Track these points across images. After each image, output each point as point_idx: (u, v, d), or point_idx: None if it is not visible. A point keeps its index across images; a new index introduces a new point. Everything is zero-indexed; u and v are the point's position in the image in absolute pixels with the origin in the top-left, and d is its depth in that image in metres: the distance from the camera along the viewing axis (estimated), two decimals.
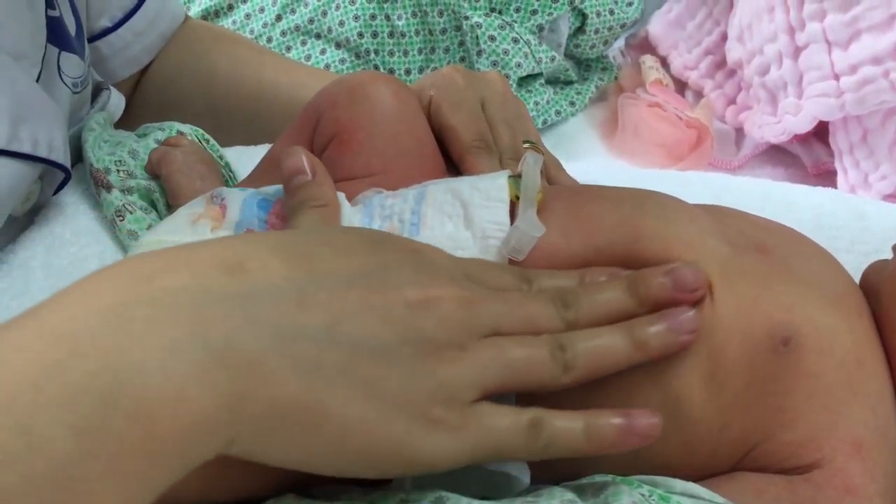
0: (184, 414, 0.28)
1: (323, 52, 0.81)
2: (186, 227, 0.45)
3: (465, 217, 0.44)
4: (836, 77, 0.71)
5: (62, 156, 0.55)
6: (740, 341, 0.40)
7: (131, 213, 0.56)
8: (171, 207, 0.57)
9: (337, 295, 0.33)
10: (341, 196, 0.45)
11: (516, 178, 0.47)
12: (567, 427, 0.36)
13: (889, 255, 0.47)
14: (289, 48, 0.82)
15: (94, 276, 0.31)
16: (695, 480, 0.40)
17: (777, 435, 0.39)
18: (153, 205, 0.59)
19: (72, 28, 0.60)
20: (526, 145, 0.53)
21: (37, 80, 0.55)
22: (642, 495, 0.38)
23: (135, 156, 0.60)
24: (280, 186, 0.46)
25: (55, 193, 0.59)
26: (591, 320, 0.38)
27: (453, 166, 0.52)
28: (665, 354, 0.38)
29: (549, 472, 0.41)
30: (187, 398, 0.28)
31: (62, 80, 0.59)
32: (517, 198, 0.45)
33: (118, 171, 0.59)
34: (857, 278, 0.47)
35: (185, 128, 0.64)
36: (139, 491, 0.28)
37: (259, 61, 0.72)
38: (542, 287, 0.39)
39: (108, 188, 0.58)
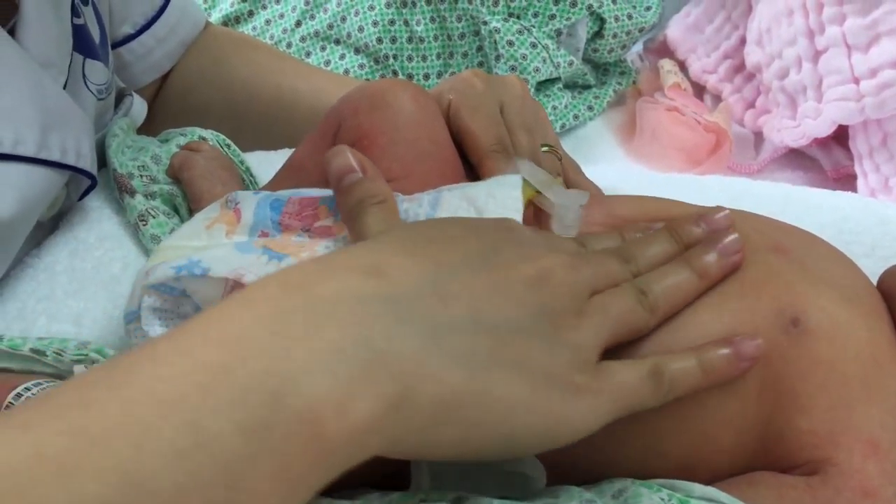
0: (351, 414, 0.28)
1: (342, 57, 0.81)
2: (202, 232, 0.45)
3: None
4: (856, 81, 0.71)
5: (89, 163, 0.55)
6: (750, 319, 0.40)
7: (154, 217, 0.57)
8: (192, 212, 0.58)
9: (468, 283, 0.34)
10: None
11: (532, 188, 0.47)
12: (683, 367, 0.38)
13: None
14: (308, 53, 0.83)
15: (245, 292, 0.31)
16: (714, 482, 0.40)
17: (793, 421, 0.40)
18: (175, 210, 0.59)
19: (96, 35, 0.61)
20: (544, 149, 0.53)
21: (63, 88, 0.56)
22: (661, 499, 0.38)
23: (157, 161, 0.61)
24: (292, 190, 0.47)
25: (80, 199, 0.59)
26: (650, 269, 0.41)
27: (472, 170, 0.53)
28: (724, 276, 0.41)
29: (567, 474, 0.41)
30: (354, 398, 0.28)
31: (87, 87, 0.60)
32: (531, 201, 0.46)
33: (141, 175, 0.59)
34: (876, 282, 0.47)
35: (207, 133, 0.64)
36: (301, 492, 0.28)
37: (279, 67, 0.73)
38: (594, 249, 0.42)
39: (132, 193, 0.58)
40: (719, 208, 0.43)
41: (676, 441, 0.41)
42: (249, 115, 0.73)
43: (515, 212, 0.44)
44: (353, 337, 0.30)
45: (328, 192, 0.46)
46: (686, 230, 0.42)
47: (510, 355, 0.33)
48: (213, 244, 0.44)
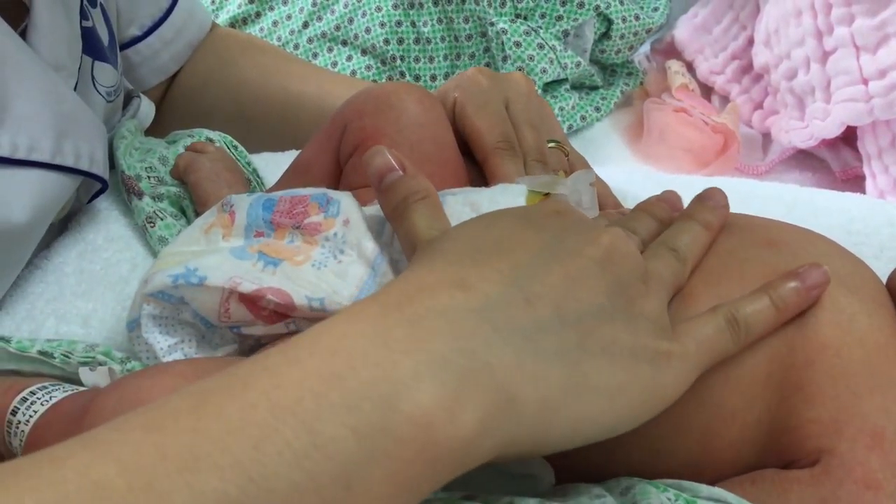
0: (460, 420, 0.29)
1: (349, 58, 0.81)
2: (200, 236, 0.46)
3: None
4: (865, 81, 0.71)
5: (102, 168, 0.56)
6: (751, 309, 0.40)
7: (162, 219, 0.57)
8: (198, 214, 0.58)
9: (545, 281, 0.35)
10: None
11: (537, 193, 0.47)
12: (757, 308, 0.39)
13: None
14: (315, 55, 0.83)
15: (348, 311, 0.32)
16: (720, 480, 0.40)
17: (799, 410, 0.40)
18: (183, 211, 0.59)
19: (104, 37, 0.61)
20: (551, 145, 0.53)
21: (73, 90, 0.56)
22: (668, 499, 0.38)
23: (165, 162, 0.61)
24: (284, 190, 0.47)
25: (89, 202, 0.60)
26: (658, 234, 0.44)
27: (478, 168, 0.53)
28: (724, 223, 0.45)
29: (575, 473, 0.41)
30: (462, 405, 0.29)
31: (96, 89, 0.60)
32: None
33: (149, 177, 0.59)
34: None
35: (214, 135, 0.64)
36: (413, 496, 0.29)
37: (286, 70, 0.73)
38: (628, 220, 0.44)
39: (140, 195, 0.58)
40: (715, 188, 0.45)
41: (684, 438, 0.41)
42: (256, 116, 0.73)
43: None
44: (454, 348, 0.31)
45: (319, 190, 0.46)
46: (666, 204, 0.45)
47: (598, 343, 0.34)
48: (210, 249, 0.45)
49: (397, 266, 0.44)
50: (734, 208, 0.48)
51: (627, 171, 0.69)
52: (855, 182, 0.77)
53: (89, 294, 0.55)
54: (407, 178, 0.41)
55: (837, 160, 0.80)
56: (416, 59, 0.82)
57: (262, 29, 0.87)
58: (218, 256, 0.43)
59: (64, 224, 0.60)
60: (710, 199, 0.45)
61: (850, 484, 0.38)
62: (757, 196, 0.61)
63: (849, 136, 0.78)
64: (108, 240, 0.59)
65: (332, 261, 0.43)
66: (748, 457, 0.41)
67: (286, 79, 0.73)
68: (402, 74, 0.81)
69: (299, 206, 0.45)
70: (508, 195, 0.46)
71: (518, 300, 0.34)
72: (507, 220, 0.39)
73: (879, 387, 0.40)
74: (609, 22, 0.87)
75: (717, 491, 0.38)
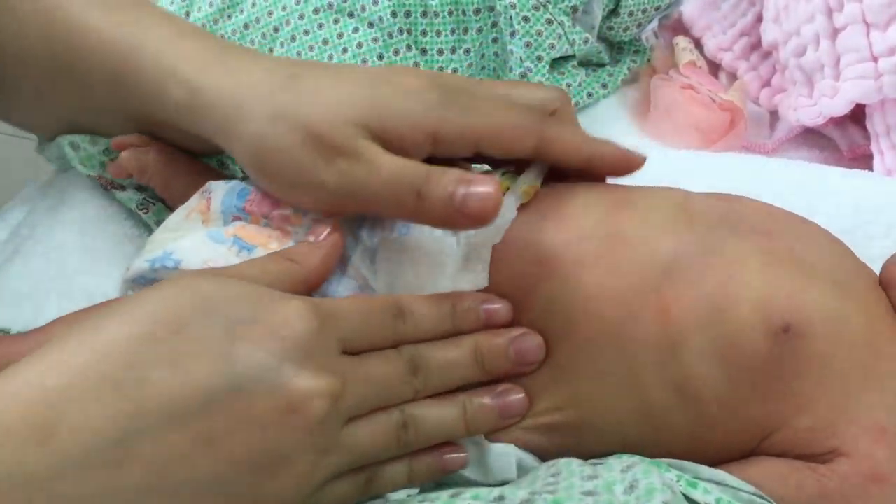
0: None
1: (355, 30, 0.81)
2: (182, 222, 0.46)
3: None
4: (875, 59, 0.70)
5: None
6: (736, 326, 0.40)
7: (154, 205, 0.56)
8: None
9: (162, 439, 0.31)
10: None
11: (512, 174, 0.47)
12: (440, 421, 0.39)
13: None
14: (321, 26, 0.82)
15: None
16: (718, 464, 0.40)
17: (792, 421, 0.40)
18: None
19: None
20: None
21: None
22: (670, 479, 0.38)
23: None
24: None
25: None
26: (437, 387, 0.40)
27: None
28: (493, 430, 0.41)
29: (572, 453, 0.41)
30: None
31: None
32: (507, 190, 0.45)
33: (112, 160, 0.56)
34: None
35: None
36: None
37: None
38: (416, 320, 0.40)
39: (121, 188, 0.57)
40: (535, 335, 0.42)
41: (668, 440, 0.41)
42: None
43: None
44: None
45: None
46: (492, 354, 0.41)
47: None
48: (192, 233, 0.45)
49: (370, 262, 0.44)
50: (743, 186, 0.48)
51: (634, 147, 0.69)
52: (862, 160, 0.77)
53: (92, 270, 0.55)
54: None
55: (845, 138, 0.80)
56: (423, 33, 0.81)
57: None
58: (194, 239, 0.44)
59: (63, 199, 0.59)
60: (507, 401, 0.42)
61: (856, 478, 0.38)
62: (766, 173, 0.60)
63: (857, 114, 0.77)
64: (111, 216, 0.59)
65: None
66: (740, 455, 0.41)
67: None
68: (409, 48, 0.80)
69: (270, 198, 0.45)
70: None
71: (107, 462, 0.30)
72: (213, 329, 0.34)
73: (876, 385, 0.40)
74: None
75: (720, 473, 0.38)
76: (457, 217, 0.40)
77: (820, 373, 0.39)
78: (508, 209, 0.43)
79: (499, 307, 0.42)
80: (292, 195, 0.43)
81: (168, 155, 0.52)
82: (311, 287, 0.41)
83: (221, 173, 0.55)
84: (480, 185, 0.40)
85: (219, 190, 0.46)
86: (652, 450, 0.40)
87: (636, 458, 0.39)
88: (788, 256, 0.42)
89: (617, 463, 0.38)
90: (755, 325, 0.40)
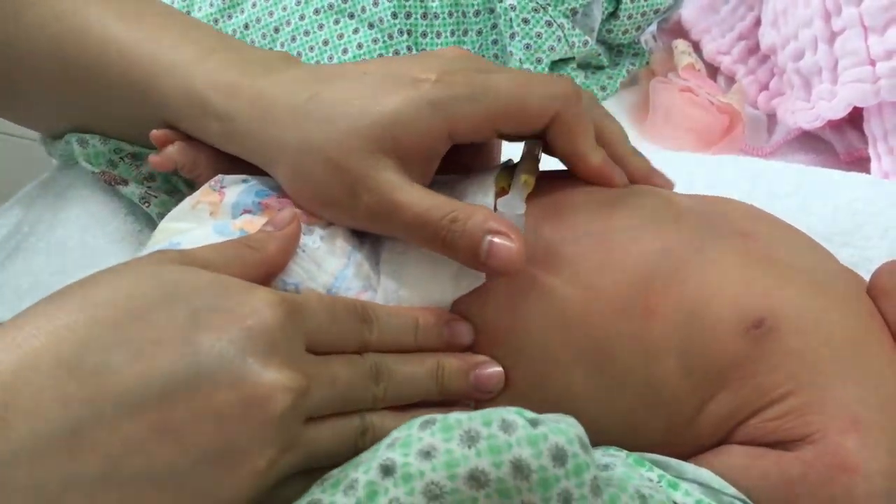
0: None
1: (356, 31, 0.81)
2: (188, 213, 0.46)
3: None
4: (872, 62, 0.71)
5: None
6: (708, 326, 0.40)
7: (156, 197, 0.56)
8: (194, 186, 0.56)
9: (118, 428, 0.30)
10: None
11: (505, 171, 0.47)
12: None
13: None
14: (321, 26, 0.82)
15: None
16: (682, 458, 0.40)
17: (762, 412, 0.40)
18: (175, 187, 0.58)
19: None
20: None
21: None
22: (650, 480, 0.38)
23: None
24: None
25: None
26: (398, 398, 0.40)
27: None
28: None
29: None
30: None
31: None
32: (507, 187, 0.45)
33: (122, 158, 0.56)
34: None
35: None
36: None
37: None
38: (381, 328, 0.40)
39: (124, 182, 0.57)
40: (494, 363, 0.42)
41: (640, 434, 0.41)
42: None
43: (486, 196, 0.44)
44: None
45: None
46: (450, 377, 0.41)
47: None
48: (196, 226, 0.45)
49: (375, 263, 0.44)
50: (741, 188, 0.48)
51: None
52: (859, 164, 0.77)
53: (94, 266, 0.55)
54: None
55: (842, 142, 0.80)
56: (424, 34, 0.82)
57: None
58: (201, 231, 0.44)
59: (64, 195, 0.59)
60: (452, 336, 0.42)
61: (821, 466, 0.38)
62: (764, 175, 0.61)
63: (854, 118, 0.77)
64: (112, 212, 0.59)
65: (312, 247, 0.43)
66: (710, 445, 0.41)
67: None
68: (409, 49, 0.80)
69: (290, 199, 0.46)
70: (480, 174, 0.46)
71: (60, 449, 0.29)
72: (174, 316, 0.33)
73: (851, 377, 0.40)
74: (617, 1, 0.87)
75: (702, 472, 0.38)
76: (481, 267, 0.41)
77: (793, 367, 0.39)
78: (517, 206, 0.43)
79: (461, 328, 0.42)
80: (328, 216, 0.44)
81: (216, 149, 0.51)
82: (267, 275, 0.40)
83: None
84: (505, 238, 0.40)
85: (234, 187, 0.46)
86: (628, 444, 0.40)
87: (622, 454, 0.39)
88: (767, 256, 0.43)
89: (597, 457, 0.39)
90: (730, 321, 0.40)
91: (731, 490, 0.38)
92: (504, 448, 0.33)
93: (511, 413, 0.35)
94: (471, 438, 0.33)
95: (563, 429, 0.34)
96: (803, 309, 0.41)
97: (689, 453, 0.40)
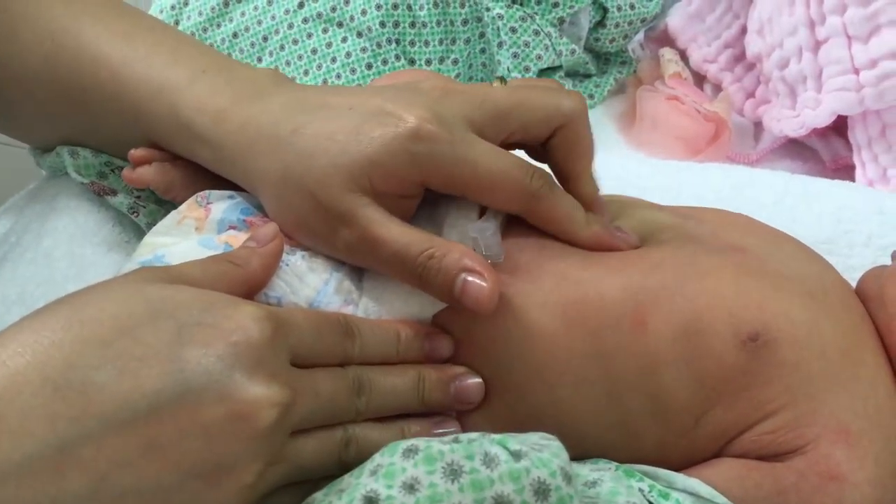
0: None
1: (344, 40, 0.81)
2: (173, 228, 0.46)
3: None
4: (856, 71, 0.71)
5: None
6: (704, 339, 0.40)
7: (144, 207, 0.56)
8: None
9: (105, 445, 0.30)
10: None
11: None
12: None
13: None
14: (310, 35, 0.82)
15: None
16: (674, 469, 0.40)
17: (757, 426, 0.40)
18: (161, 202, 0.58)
19: None
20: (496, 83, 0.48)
21: None
22: (641, 490, 0.38)
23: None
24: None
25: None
26: (379, 410, 0.40)
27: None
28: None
29: None
30: None
31: None
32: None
33: (112, 171, 0.56)
34: None
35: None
36: None
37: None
38: (363, 341, 0.40)
39: (112, 193, 0.57)
40: (474, 374, 0.43)
41: (634, 446, 0.41)
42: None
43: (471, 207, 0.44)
44: None
45: None
46: (431, 387, 0.41)
47: None
48: (181, 240, 0.45)
49: (358, 279, 0.44)
50: (727, 195, 0.48)
51: (621, 157, 0.69)
52: (844, 171, 0.78)
53: (80, 277, 0.55)
54: None
55: (827, 150, 0.81)
56: (412, 43, 0.82)
57: (255, 7, 0.86)
58: (186, 245, 0.44)
59: (53, 206, 0.59)
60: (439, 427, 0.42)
61: (813, 476, 0.38)
62: (750, 183, 0.61)
63: (839, 126, 0.78)
64: (99, 223, 0.59)
65: (294, 261, 0.43)
66: (703, 458, 0.41)
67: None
68: (398, 58, 0.81)
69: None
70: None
71: (48, 468, 0.29)
72: (158, 334, 0.33)
73: (844, 388, 0.40)
74: (604, 10, 0.87)
75: (692, 482, 0.39)
76: (455, 304, 0.41)
77: (788, 380, 0.40)
78: (489, 227, 0.44)
79: (442, 341, 0.43)
80: (309, 244, 0.44)
81: (194, 170, 0.51)
82: (250, 291, 0.41)
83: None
84: (479, 276, 0.40)
85: (220, 203, 0.46)
86: (620, 454, 0.41)
87: (611, 466, 0.39)
88: (760, 268, 0.43)
89: (584, 474, 0.39)
90: (726, 335, 0.40)
91: (722, 499, 0.38)
92: (486, 484, 0.33)
93: (494, 445, 0.34)
94: (454, 472, 0.33)
95: (546, 460, 0.34)
96: (797, 321, 0.41)
97: (680, 467, 0.41)
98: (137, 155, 0.50)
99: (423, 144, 0.41)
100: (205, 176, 0.49)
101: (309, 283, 0.43)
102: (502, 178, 0.42)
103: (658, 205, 0.48)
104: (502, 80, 0.47)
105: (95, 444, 0.30)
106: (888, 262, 0.48)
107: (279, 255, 0.42)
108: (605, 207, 0.47)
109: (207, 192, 0.47)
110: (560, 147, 0.45)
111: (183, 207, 0.47)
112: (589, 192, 0.46)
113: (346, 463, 0.37)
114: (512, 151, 0.45)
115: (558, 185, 0.45)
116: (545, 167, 0.46)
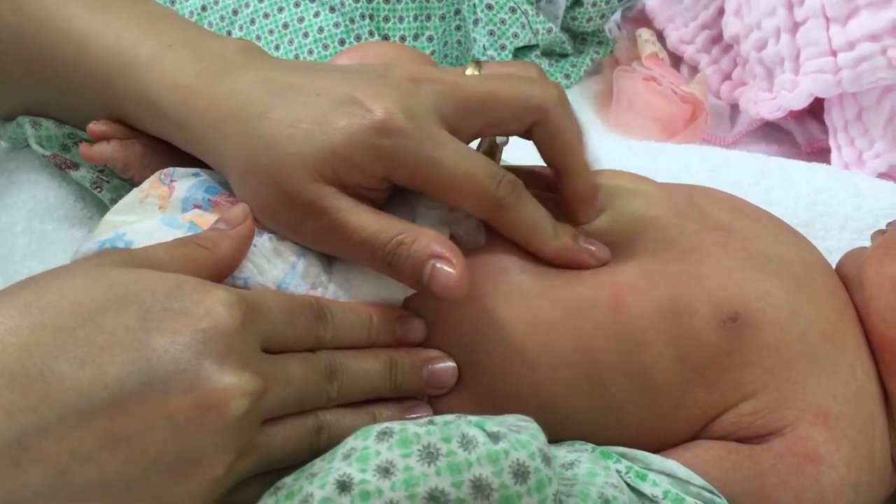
0: None
1: (316, 14, 0.80)
2: (136, 206, 0.45)
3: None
4: (834, 53, 0.71)
5: None
6: (689, 319, 0.40)
7: (108, 182, 0.55)
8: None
9: (66, 437, 0.29)
10: None
11: None
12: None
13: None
14: (281, 9, 0.81)
15: None
16: (653, 451, 0.40)
17: (736, 408, 0.40)
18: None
19: None
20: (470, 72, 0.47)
21: None
22: (618, 471, 0.38)
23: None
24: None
25: None
26: (351, 395, 0.39)
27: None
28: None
29: None
30: None
31: None
32: None
33: (75, 143, 0.54)
34: None
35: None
36: None
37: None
38: (335, 325, 0.39)
39: (75, 167, 0.55)
40: (447, 357, 0.42)
41: (617, 425, 0.41)
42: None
43: None
44: None
45: None
46: (403, 371, 0.40)
47: None
48: (143, 218, 0.44)
49: (327, 262, 0.43)
50: (703, 177, 0.48)
51: (598, 138, 0.69)
52: (820, 154, 0.78)
53: (40, 254, 0.54)
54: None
55: (803, 133, 0.81)
56: (386, 19, 0.80)
57: None
58: (150, 223, 0.43)
59: (11, 180, 0.57)
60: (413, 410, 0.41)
61: (791, 457, 0.39)
62: (727, 165, 0.61)
63: (815, 109, 0.78)
64: (59, 198, 0.57)
65: (262, 243, 0.42)
66: (685, 438, 0.41)
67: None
68: (371, 34, 0.79)
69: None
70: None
71: (5, 461, 0.28)
72: (126, 321, 0.32)
73: (824, 372, 0.40)
74: None
75: (669, 463, 0.39)
76: (424, 291, 0.40)
77: (769, 362, 0.40)
78: (467, 218, 0.43)
79: (414, 325, 0.42)
80: (275, 230, 0.43)
81: (154, 149, 0.49)
82: (219, 275, 0.39)
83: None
84: (447, 263, 0.39)
85: (184, 181, 0.45)
86: (601, 436, 0.40)
87: (587, 447, 0.39)
88: (744, 249, 0.43)
89: (561, 456, 0.38)
90: (706, 314, 0.40)
91: (699, 480, 0.38)
92: (464, 467, 0.32)
93: (472, 427, 0.34)
94: (430, 455, 0.32)
95: (525, 441, 0.33)
96: (779, 303, 0.41)
97: (660, 448, 0.40)
98: (97, 130, 0.48)
99: (389, 139, 0.40)
100: (165, 155, 0.47)
101: (277, 264, 0.42)
102: (468, 183, 0.40)
103: (650, 180, 0.47)
104: (478, 64, 0.45)
105: (55, 436, 0.29)
106: (864, 244, 0.48)
107: (250, 239, 0.41)
108: (594, 209, 0.45)
109: (171, 169, 0.46)
110: (542, 143, 0.43)
111: (145, 185, 0.45)
112: (580, 190, 0.44)
113: (317, 450, 0.36)
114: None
115: (527, 193, 0.43)
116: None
